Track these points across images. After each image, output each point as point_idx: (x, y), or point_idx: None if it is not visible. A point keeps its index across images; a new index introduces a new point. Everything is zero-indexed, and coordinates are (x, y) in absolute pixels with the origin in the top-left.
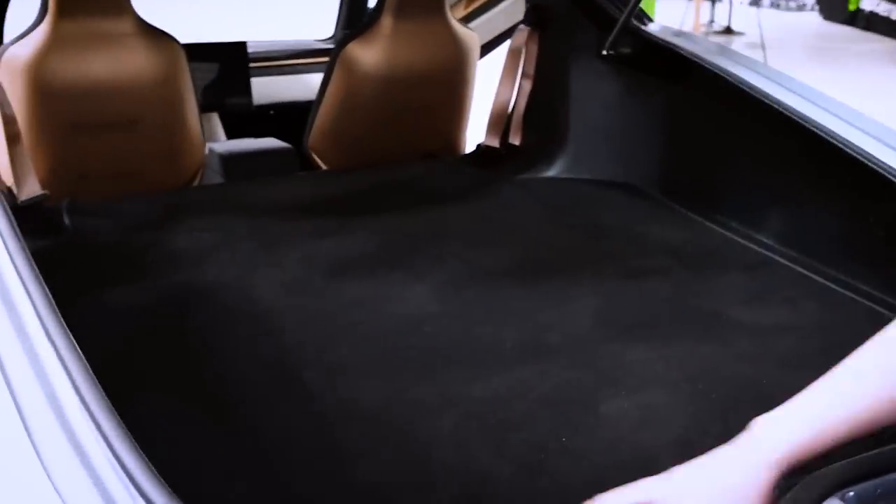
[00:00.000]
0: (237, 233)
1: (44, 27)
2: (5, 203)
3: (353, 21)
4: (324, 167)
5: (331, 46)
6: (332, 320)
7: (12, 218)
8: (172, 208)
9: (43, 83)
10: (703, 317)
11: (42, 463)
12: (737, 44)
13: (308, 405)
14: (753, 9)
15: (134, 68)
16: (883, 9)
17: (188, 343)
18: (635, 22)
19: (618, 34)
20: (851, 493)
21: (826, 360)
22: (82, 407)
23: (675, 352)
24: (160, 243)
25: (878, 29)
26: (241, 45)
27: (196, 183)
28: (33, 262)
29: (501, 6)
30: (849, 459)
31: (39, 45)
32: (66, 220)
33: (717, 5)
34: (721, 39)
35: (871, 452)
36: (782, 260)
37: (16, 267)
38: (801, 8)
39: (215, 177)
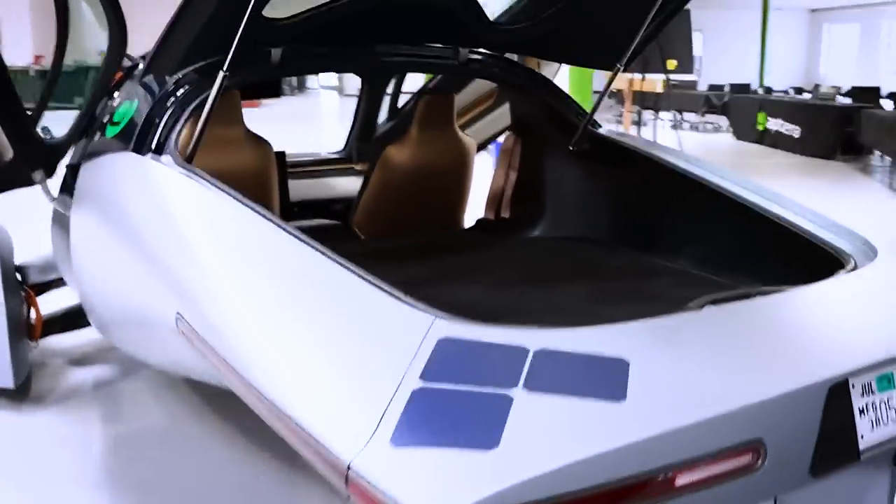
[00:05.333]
0: None
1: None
2: None
3: (363, 137)
4: (362, 238)
5: (343, 156)
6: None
7: None
8: None
9: None
10: (649, 295)
11: None
12: None
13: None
14: (675, 131)
15: (241, 162)
16: (786, 129)
17: None
18: (591, 127)
19: (580, 136)
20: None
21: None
22: None
23: (633, 308)
24: None
25: (783, 146)
26: (282, 154)
27: None
28: None
29: (491, 116)
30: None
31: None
32: None
33: (643, 128)
34: None
35: (737, 290)
36: (693, 272)
37: None
38: (716, 129)
39: None
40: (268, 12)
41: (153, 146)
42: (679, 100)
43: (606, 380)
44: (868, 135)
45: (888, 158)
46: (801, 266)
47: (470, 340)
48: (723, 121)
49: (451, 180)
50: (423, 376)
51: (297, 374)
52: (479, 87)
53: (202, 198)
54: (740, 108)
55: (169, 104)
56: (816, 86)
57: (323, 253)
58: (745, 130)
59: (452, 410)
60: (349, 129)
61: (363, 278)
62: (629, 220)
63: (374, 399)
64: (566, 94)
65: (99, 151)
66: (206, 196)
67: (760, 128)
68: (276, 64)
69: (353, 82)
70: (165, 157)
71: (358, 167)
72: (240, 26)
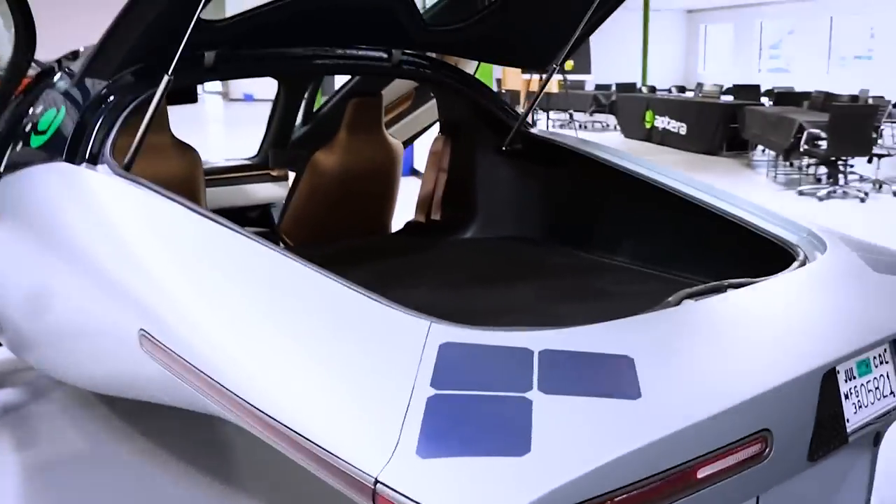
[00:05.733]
0: None
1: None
2: None
3: (279, 142)
4: (291, 244)
5: (257, 162)
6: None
7: None
8: None
9: None
10: (595, 291)
11: None
12: None
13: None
14: (566, 130)
15: (170, 170)
16: (673, 126)
17: None
18: (522, 127)
19: (513, 136)
20: (699, 297)
21: (652, 302)
22: None
23: (583, 305)
24: None
25: (670, 143)
26: None
27: None
28: None
29: (412, 115)
30: (690, 288)
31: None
32: None
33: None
34: None
35: (709, 284)
36: (631, 266)
37: None
38: (605, 128)
39: None
40: (204, 14)
41: (87, 155)
42: (569, 99)
43: (617, 378)
44: (751, 131)
45: (770, 153)
46: (745, 258)
47: (471, 344)
48: (611, 119)
49: (379, 183)
50: (434, 384)
51: (300, 389)
52: (399, 87)
53: (155, 208)
54: (628, 106)
55: (101, 110)
56: (699, 84)
57: (296, 260)
58: (634, 128)
59: (474, 417)
60: (263, 134)
61: (346, 286)
62: (563, 218)
63: (389, 410)
64: (496, 94)
65: (23, 162)
66: (160, 206)
67: (648, 125)
68: (209, 67)
69: (238, 87)
70: (102, 167)
71: (275, 173)
72: (186, 30)
